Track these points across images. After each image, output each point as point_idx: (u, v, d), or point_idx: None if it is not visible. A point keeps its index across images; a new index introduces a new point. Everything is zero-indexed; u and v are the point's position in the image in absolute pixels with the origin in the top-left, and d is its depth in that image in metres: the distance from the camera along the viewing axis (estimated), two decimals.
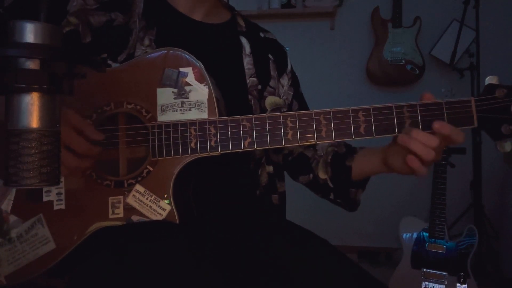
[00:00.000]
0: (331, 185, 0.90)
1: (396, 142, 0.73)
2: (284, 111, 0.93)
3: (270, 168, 0.92)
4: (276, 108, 0.93)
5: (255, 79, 0.90)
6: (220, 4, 0.94)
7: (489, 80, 0.70)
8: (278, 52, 0.98)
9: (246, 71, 0.89)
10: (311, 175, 0.92)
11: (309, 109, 1.00)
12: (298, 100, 0.99)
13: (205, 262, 0.71)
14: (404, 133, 0.69)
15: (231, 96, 0.81)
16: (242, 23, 0.95)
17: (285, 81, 0.97)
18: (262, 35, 0.98)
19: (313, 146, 0.94)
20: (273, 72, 0.94)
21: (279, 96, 0.94)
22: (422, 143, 0.67)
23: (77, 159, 0.66)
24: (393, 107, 0.70)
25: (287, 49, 1.03)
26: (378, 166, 0.82)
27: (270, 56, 0.95)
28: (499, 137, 0.69)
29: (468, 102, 0.69)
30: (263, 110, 0.91)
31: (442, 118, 0.69)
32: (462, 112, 0.69)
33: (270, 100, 0.92)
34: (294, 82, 0.99)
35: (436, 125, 0.68)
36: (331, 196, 0.92)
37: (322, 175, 0.91)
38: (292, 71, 1.00)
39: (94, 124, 0.72)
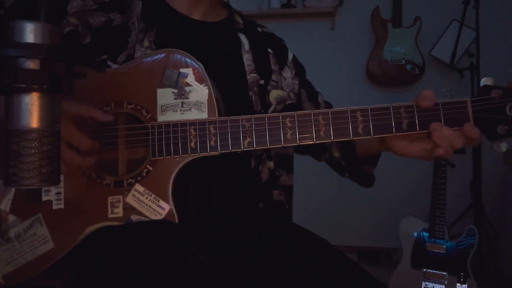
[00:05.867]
0: (343, 164, 0.94)
1: None
2: (289, 103, 0.94)
3: (271, 164, 0.92)
4: (281, 101, 0.93)
5: (256, 75, 0.90)
6: (218, 3, 0.95)
7: (485, 81, 0.70)
8: (277, 45, 0.98)
9: (246, 67, 0.90)
10: (327, 154, 0.97)
11: (318, 93, 1.03)
12: (306, 88, 0.99)
13: (204, 261, 0.71)
14: (435, 128, 0.70)
15: (232, 93, 0.81)
16: (239, 20, 0.96)
17: (287, 73, 0.97)
18: (259, 29, 0.99)
19: None
20: (274, 66, 0.94)
21: (283, 89, 0.94)
22: (450, 141, 0.68)
23: (79, 156, 0.67)
24: (391, 108, 0.71)
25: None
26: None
27: (269, 50, 0.95)
28: (495, 137, 0.70)
29: (464, 103, 0.70)
30: (266, 105, 0.91)
31: (438, 118, 0.69)
32: (458, 113, 0.69)
33: (274, 94, 0.92)
34: (299, 71, 0.99)
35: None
36: (347, 175, 0.97)
37: (336, 153, 0.95)
38: (294, 61, 1.00)
39: (94, 124, 0.72)
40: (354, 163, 0.92)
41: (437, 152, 0.70)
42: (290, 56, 1.00)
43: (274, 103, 0.92)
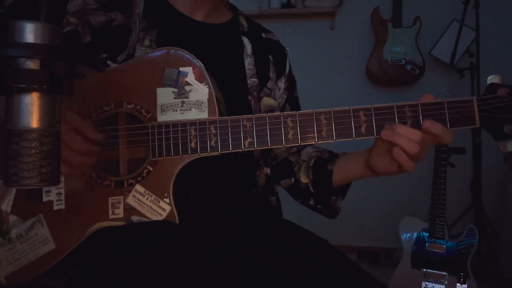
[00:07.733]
0: (312, 190, 0.88)
1: (377, 144, 0.73)
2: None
3: (267, 170, 0.92)
4: (270, 110, 0.92)
5: (256, 79, 0.90)
6: (221, 4, 0.94)
7: (492, 79, 0.68)
8: (279, 54, 0.98)
9: (247, 71, 0.89)
10: (293, 179, 0.90)
11: None
12: (291, 104, 0.98)
13: (204, 262, 0.71)
14: (387, 128, 0.69)
15: (232, 96, 0.81)
16: (244, 23, 0.95)
17: (282, 83, 0.96)
18: (264, 35, 0.98)
19: (298, 152, 0.92)
20: (272, 74, 0.94)
21: (275, 98, 0.94)
22: (406, 136, 0.66)
23: (79, 157, 0.66)
24: (395, 107, 0.69)
25: (287, 49, 1.02)
26: (360, 170, 0.80)
27: (270, 57, 0.95)
28: (502, 137, 0.68)
29: (470, 102, 0.68)
30: (260, 111, 0.90)
31: (443, 117, 0.68)
32: (464, 112, 0.68)
33: (265, 101, 0.92)
34: (290, 86, 0.98)
35: (427, 123, 0.67)
36: (311, 202, 0.90)
37: (303, 179, 0.88)
38: (289, 74, 0.99)
39: (94, 124, 0.72)
40: (325, 190, 0.87)
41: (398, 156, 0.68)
42: (288, 68, 0.99)
43: (262, 110, 0.91)
